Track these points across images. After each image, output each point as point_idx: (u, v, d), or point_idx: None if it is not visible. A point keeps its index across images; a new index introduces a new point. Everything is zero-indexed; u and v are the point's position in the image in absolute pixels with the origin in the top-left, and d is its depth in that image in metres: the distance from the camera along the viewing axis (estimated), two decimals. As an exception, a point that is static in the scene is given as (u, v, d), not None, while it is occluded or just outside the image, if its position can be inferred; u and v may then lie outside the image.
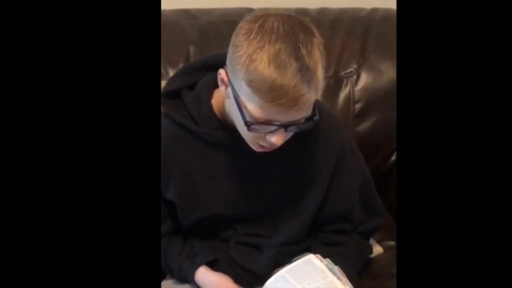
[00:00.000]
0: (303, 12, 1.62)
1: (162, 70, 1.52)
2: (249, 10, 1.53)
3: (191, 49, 1.55)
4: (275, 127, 1.09)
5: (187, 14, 1.61)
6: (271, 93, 1.04)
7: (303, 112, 1.09)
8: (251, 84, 1.05)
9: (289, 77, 1.04)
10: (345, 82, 1.58)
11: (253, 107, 1.08)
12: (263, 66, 1.04)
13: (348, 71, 1.59)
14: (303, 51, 1.05)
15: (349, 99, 1.59)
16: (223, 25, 1.63)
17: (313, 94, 1.06)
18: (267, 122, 1.09)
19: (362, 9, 1.67)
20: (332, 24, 1.61)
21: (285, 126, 1.10)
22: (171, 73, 1.50)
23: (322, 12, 1.64)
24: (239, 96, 1.09)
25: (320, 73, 1.07)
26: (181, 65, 1.51)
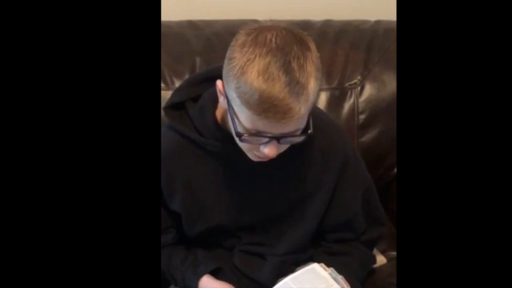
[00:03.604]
0: (307, 24, 1.64)
1: (168, 80, 1.53)
2: (254, 21, 1.54)
3: (197, 60, 1.56)
4: (267, 139, 1.11)
5: (193, 25, 1.63)
6: (259, 105, 1.05)
7: (293, 125, 1.09)
8: (241, 95, 1.07)
9: (277, 90, 1.05)
10: (349, 93, 1.59)
11: (244, 118, 1.09)
12: (253, 78, 1.05)
13: (352, 82, 1.60)
14: (294, 65, 1.06)
15: (353, 110, 1.60)
16: (229, 36, 1.63)
17: (302, 107, 1.07)
18: (258, 134, 1.10)
19: (366, 21, 1.69)
20: (337, 36, 1.62)
21: (277, 138, 1.11)
22: (177, 83, 1.52)
23: (326, 24, 1.66)
24: (232, 107, 1.10)
25: (312, 87, 1.07)
26: (187, 76, 1.53)
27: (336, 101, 1.58)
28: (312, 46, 1.11)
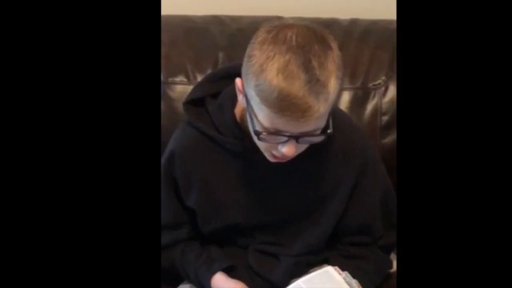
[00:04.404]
0: (333, 22, 1.62)
1: (190, 75, 1.53)
2: (279, 18, 1.53)
3: (220, 55, 1.55)
4: (285, 138, 1.09)
5: (218, 20, 1.62)
6: (278, 103, 1.04)
7: (313, 124, 1.08)
8: (260, 93, 1.06)
9: (296, 88, 1.04)
10: (372, 93, 1.57)
11: (263, 117, 1.08)
12: (272, 76, 1.04)
13: (376, 82, 1.58)
14: (314, 63, 1.05)
15: (376, 111, 1.58)
16: (253, 32, 1.63)
17: (322, 106, 1.06)
18: (276, 133, 1.09)
19: (393, 21, 1.65)
20: (362, 35, 1.60)
21: (296, 137, 1.10)
22: (199, 78, 1.51)
23: (353, 23, 1.63)
24: (251, 105, 1.09)
25: (332, 86, 1.06)
26: (209, 71, 1.52)
27: (359, 101, 1.55)
28: (334, 44, 1.10)
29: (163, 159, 1.27)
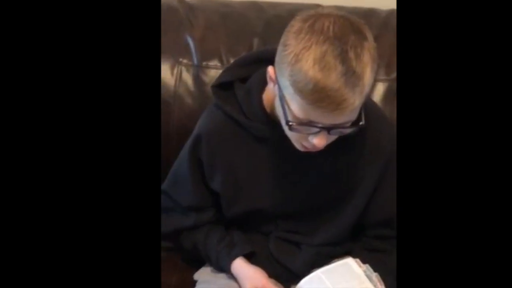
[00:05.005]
0: (372, 12, 1.59)
1: (224, 59, 1.52)
2: (317, 6, 1.52)
3: (255, 41, 1.54)
4: (317, 129, 1.08)
5: (255, 6, 1.61)
6: (313, 94, 1.03)
7: (346, 116, 1.07)
8: (294, 84, 1.05)
9: (332, 80, 1.02)
10: (408, 86, 1.55)
11: (296, 107, 1.07)
12: (308, 66, 1.03)
13: (412, 75, 1.55)
14: (351, 55, 1.03)
15: (411, 104, 1.55)
16: (290, 19, 1.62)
17: (357, 99, 1.04)
18: (308, 124, 1.08)
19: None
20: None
21: (328, 129, 1.08)
22: (233, 63, 1.51)
23: (392, 13, 1.60)
24: (284, 95, 1.08)
25: (367, 78, 1.05)
26: (243, 57, 1.52)
27: (393, 93, 1.52)
28: (369, 35, 1.08)
29: (189, 141, 1.28)
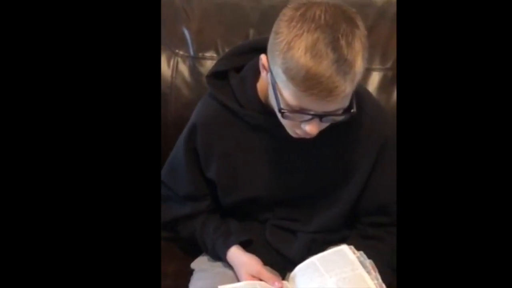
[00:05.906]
0: (368, 2, 1.59)
1: (220, 50, 1.53)
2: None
3: (251, 32, 1.55)
4: (309, 117, 1.09)
5: (251, -3, 1.62)
6: (305, 82, 1.04)
7: (338, 103, 1.08)
8: (286, 71, 1.05)
9: (324, 67, 1.03)
10: (403, 75, 1.55)
11: (288, 95, 1.08)
12: (300, 54, 1.04)
13: (408, 64, 1.56)
14: (342, 42, 1.04)
15: (406, 92, 1.56)
16: (285, 10, 1.61)
17: (348, 86, 1.05)
18: (301, 111, 1.09)
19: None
20: (395, 16, 1.58)
21: (320, 116, 1.09)
22: (229, 54, 1.52)
23: (388, 3, 1.60)
24: (276, 82, 1.09)
25: (358, 66, 1.06)
26: (239, 47, 1.52)
27: (388, 82, 1.53)
28: (360, 23, 1.08)
29: (185, 131, 1.29)
